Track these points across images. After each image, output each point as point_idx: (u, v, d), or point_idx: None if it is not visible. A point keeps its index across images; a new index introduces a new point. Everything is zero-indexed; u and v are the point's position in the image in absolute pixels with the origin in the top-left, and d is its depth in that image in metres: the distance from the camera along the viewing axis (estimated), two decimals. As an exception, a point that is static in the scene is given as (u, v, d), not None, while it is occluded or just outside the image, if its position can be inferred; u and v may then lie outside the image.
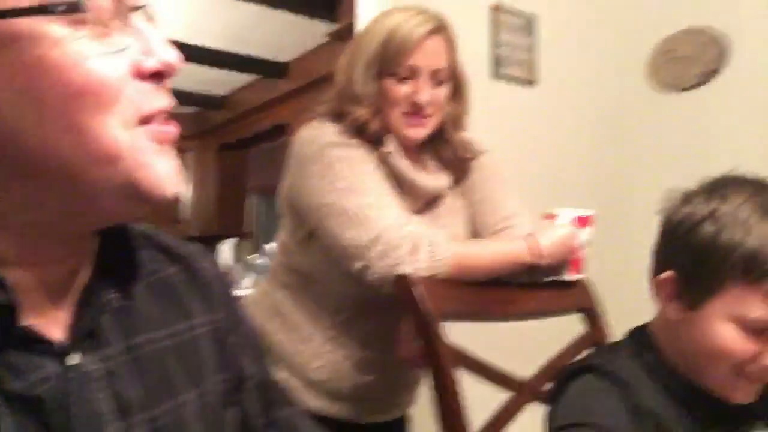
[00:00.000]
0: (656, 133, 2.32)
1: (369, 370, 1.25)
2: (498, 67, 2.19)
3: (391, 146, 1.21)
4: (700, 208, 0.83)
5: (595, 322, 1.31)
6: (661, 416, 0.82)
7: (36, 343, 0.50)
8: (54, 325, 0.53)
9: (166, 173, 0.51)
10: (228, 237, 5.16)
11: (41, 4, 0.45)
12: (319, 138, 1.17)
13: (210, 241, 5.35)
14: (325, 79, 3.92)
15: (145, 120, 0.50)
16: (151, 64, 0.50)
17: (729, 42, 2.16)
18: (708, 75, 2.22)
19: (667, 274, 0.86)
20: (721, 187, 0.84)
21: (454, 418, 1.01)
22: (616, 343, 0.95)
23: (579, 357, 0.99)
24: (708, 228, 0.81)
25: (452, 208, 1.31)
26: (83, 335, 0.53)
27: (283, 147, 5.03)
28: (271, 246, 4.21)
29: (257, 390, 0.72)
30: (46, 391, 0.49)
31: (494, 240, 1.23)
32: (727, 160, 2.09)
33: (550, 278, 1.22)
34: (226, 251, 5.09)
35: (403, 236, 1.08)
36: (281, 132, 4.43)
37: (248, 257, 4.68)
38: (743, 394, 0.83)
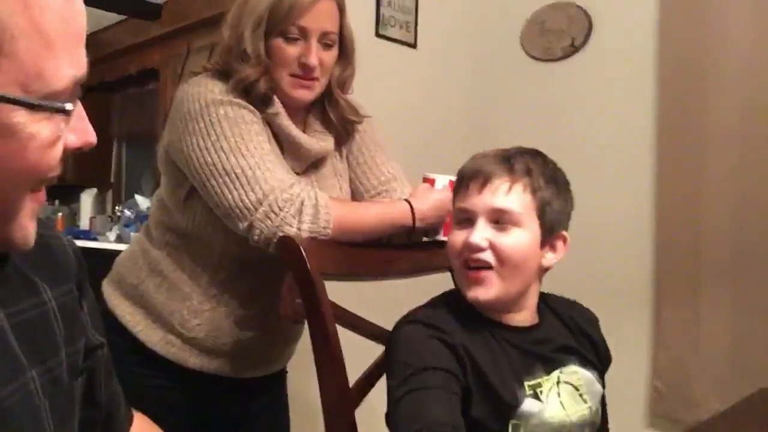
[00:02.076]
0: (526, 98, 2.46)
1: (249, 327, 1.27)
2: (381, 27, 2.22)
3: (277, 107, 1.21)
4: None
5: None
6: (474, 355, 0.97)
7: None
8: None
9: (32, 233, 0.57)
10: (89, 187, 4.87)
11: (29, 101, 0.50)
12: (203, 95, 1.15)
13: (69, 191, 5.04)
14: (201, 25, 3.79)
15: (39, 189, 0.56)
16: (77, 144, 0.56)
17: (593, 18, 2.32)
18: (573, 49, 2.38)
19: None
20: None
21: (334, 371, 1.06)
22: (437, 298, 1.10)
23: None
24: None
25: (335, 170, 1.33)
26: None
27: (152, 93, 4.78)
28: (140, 198, 4.05)
29: (105, 360, 0.75)
30: None
31: (375, 203, 1.28)
32: (588, 127, 2.28)
33: (426, 239, 1.29)
34: (87, 202, 4.81)
35: (288, 198, 1.10)
36: (150, 77, 4.21)
37: (116, 208, 4.46)
38: (475, 291, 1.01)
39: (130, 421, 0.83)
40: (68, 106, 0.53)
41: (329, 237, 1.12)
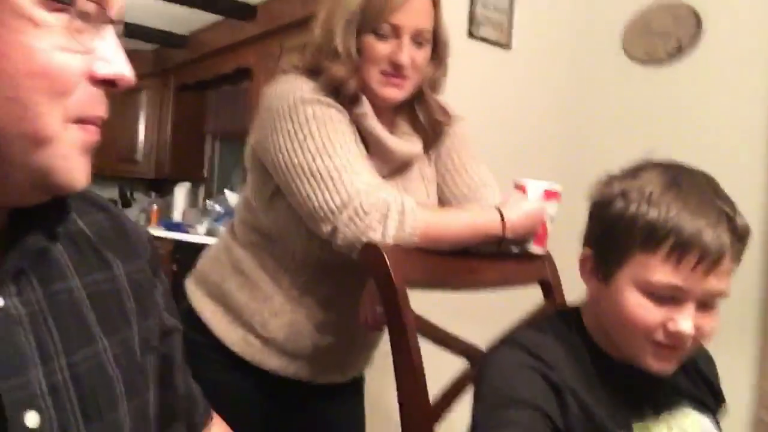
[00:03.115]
0: (627, 104, 2.33)
1: (328, 331, 1.24)
2: (474, 27, 2.15)
3: (365, 107, 1.17)
4: (615, 187, 0.88)
5: (553, 294, 1.32)
6: (581, 394, 0.85)
7: None
8: None
9: (80, 172, 0.54)
10: (183, 181, 5.05)
11: None
12: (292, 93, 1.13)
13: (164, 185, 5.24)
14: (294, 26, 3.84)
15: (81, 121, 0.54)
16: (106, 71, 0.54)
17: (702, 18, 2.17)
18: (680, 51, 2.23)
19: (585, 252, 0.91)
20: (636, 168, 0.89)
21: (414, 384, 1.02)
22: (544, 323, 0.97)
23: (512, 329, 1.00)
24: (618, 204, 0.86)
25: (423, 174, 1.29)
26: (6, 281, 0.54)
27: (245, 92, 4.91)
28: (230, 193, 4.15)
29: (179, 346, 0.75)
30: None
31: (464, 210, 1.22)
32: (694, 136, 2.13)
33: (516, 250, 1.22)
34: (180, 196, 4.98)
35: (373, 203, 1.06)
36: (244, 76, 4.30)
37: (207, 202, 4.60)
38: (661, 363, 0.86)
39: (207, 421, 0.82)
40: (79, 3, 0.51)
41: (415, 245, 1.08)
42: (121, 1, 0.56)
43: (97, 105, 0.54)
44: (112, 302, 0.64)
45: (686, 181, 0.84)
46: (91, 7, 0.52)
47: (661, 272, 0.81)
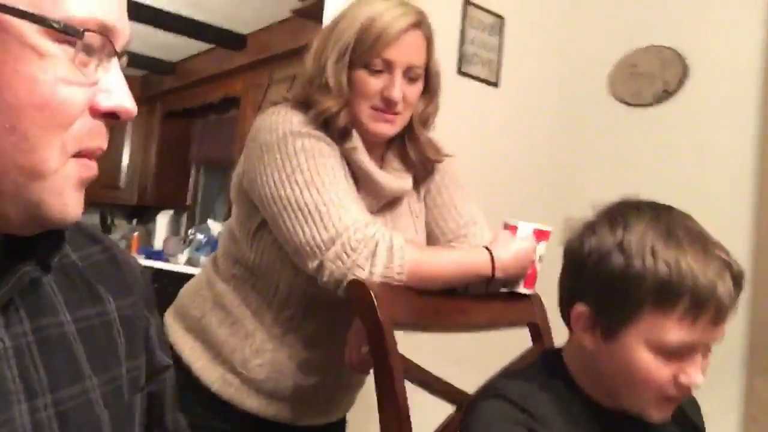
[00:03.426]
0: (614, 144, 2.34)
1: (311, 371, 1.20)
2: (464, 65, 2.16)
3: (356, 141, 1.15)
4: (607, 239, 0.83)
5: (542, 337, 1.29)
6: None
7: None
8: None
9: (73, 206, 0.53)
10: (166, 209, 4.99)
11: (41, 15, 0.48)
12: (281, 125, 1.11)
13: (146, 212, 5.18)
14: (283, 56, 3.85)
15: (80, 154, 0.52)
16: (108, 104, 0.53)
17: (688, 62, 2.19)
18: (666, 94, 2.25)
19: (580, 308, 0.86)
20: (621, 215, 0.85)
21: (399, 428, 0.98)
22: (527, 370, 0.95)
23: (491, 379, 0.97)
24: (617, 259, 0.82)
25: (412, 210, 1.27)
26: None
27: (232, 120, 4.91)
28: (212, 222, 4.10)
29: (171, 384, 0.74)
30: None
31: (453, 249, 1.20)
32: (681, 176, 2.13)
33: (505, 290, 1.20)
34: (162, 223, 4.92)
35: (361, 239, 1.03)
36: (231, 105, 4.30)
37: (189, 231, 4.54)
38: (663, 413, 0.85)
39: None
40: (86, 36, 0.50)
41: (402, 283, 1.05)
42: (127, 33, 0.55)
43: (97, 137, 0.53)
44: (103, 338, 0.62)
45: (680, 230, 0.82)
46: (97, 40, 0.51)
47: (677, 331, 0.79)
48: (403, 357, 1.02)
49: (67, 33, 0.49)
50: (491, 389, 0.90)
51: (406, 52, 1.12)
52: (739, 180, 2.05)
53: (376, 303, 0.98)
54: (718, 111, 2.12)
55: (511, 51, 2.28)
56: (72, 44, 0.50)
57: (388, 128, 1.16)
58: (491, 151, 2.18)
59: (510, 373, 0.95)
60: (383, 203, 1.22)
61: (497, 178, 2.15)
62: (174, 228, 5.04)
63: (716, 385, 1.94)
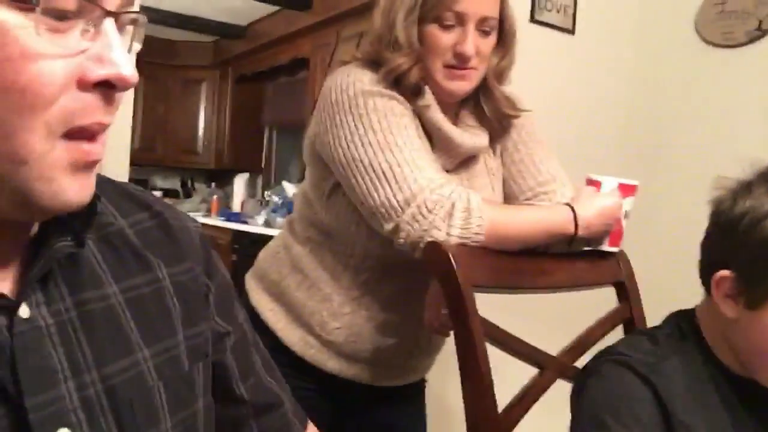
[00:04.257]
0: (702, 90, 2.19)
1: (389, 333, 1.20)
2: (537, 12, 2.06)
3: (429, 99, 1.11)
4: (764, 202, 0.77)
5: (629, 296, 1.24)
6: (698, 422, 0.77)
7: None
8: (2, 277, 0.50)
9: (69, 192, 0.47)
10: (242, 172, 5.10)
11: None
12: (352, 85, 1.08)
13: (224, 175, 5.31)
14: (350, 15, 3.82)
15: (73, 133, 0.46)
16: (99, 73, 0.46)
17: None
18: (762, 32, 2.08)
19: (725, 273, 0.81)
20: None
21: (482, 393, 0.96)
22: (657, 331, 0.89)
23: (614, 339, 0.92)
24: None
25: (488, 168, 1.22)
26: (33, 289, 0.50)
27: (303, 82, 4.94)
28: (287, 185, 4.16)
29: (237, 349, 0.69)
30: None
31: (534, 208, 1.15)
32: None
33: (589, 249, 1.15)
34: (240, 186, 5.03)
35: (438, 200, 1.00)
36: (300, 66, 4.30)
37: (265, 193, 4.63)
38: None
39: (300, 425, 0.76)
40: (64, 3, 0.43)
41: (481, 243, 1.02)
42: None
43: (91, 112, 0.47)
44: (154, 308, 0.59)
45: None
46: (70, 3, 0.44)
47: None
48: (483, 319, 1.00)
49: (40, 8, 0.42)
50: (615, 352, 0.86)
51: (477, 3, 1.06)
52: None
53: (454, 265, 0.95)
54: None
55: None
56: (33, 11, 0.42)
57: (462, 85, 1.11)
58: (568, 103, 2.09)
59: (636, 338, 0.89)
60: (459, 162, 1.19)
61: (575, 132, 2.06)
62: (251, 190, 5.16)
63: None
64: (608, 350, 0.88)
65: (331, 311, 1.18)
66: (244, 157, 5.15)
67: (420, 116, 1.12)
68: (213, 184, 5.44)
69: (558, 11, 2.12)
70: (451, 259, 0.96)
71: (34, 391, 0.47)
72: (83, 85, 0.46)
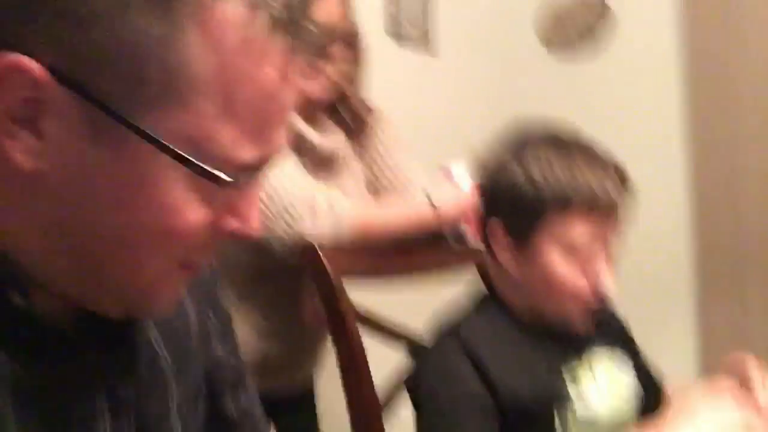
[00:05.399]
0: (552, 100, 2.35)
1: (272, 338, 1.22)
2: (393, 26, 2.12)
3: None
4: (506, 157, 0.92)
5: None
6: (504, 380, 0.87)
7: None
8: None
9: (167, 303, 0.49)
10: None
11: (187, 157, 0.40)
12: None
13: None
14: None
15: (187, 265, 0.47)
16: (233, 227, 0.45)
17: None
18: (591, 32, 2.25)
19: (492, 222, 0.93)
20: (519, 137, 0.94)
21: (358, 375, 1.00)
22: (466, 301, 0.99)
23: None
24: (517, 171, 0.89)
25: (351, 170, 1.29)
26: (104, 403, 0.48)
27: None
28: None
29: (230, 372, 0.67)
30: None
31: (396, 204, 1.22)
32: (614, 129, 2.16)
33: (456, 243, 1.22)
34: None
35: (305, 204, 1.06)
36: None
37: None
38: (585, 322, 0.92)
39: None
40: (240, 179, 0.43)
41: (350, 242, 1.07)
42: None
43: (209, 253, 0.48)
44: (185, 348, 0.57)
45: (570, 142, 0.92)
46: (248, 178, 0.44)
47: (579, 227, 0.87)
48: (353, 303, 1.03)
49: (213, 179, 0.41)
50: (433, 332, 0.95)
51: (323, 14, 1.13)
52: (670, 118, 2.10)
53: (323, 260, 0.99)
54: (645, 60, 2.16)
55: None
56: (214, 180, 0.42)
57: (313, 87, 1.17)
58: (430, 110, 2.15)
59: (455, 311, 0.98)
60: (322, 165, 1.24)
61: (437, 136, 2.12)
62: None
63: (670, 315, 2.02)
64: (430, 333, 0.97)
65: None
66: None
67: None
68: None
69: (413, 26, 2.17)
70: (321, 255, 1.00)
71: None
72: (216, 231, 0.45)
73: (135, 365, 0.50)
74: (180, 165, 0.41)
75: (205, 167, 0.41)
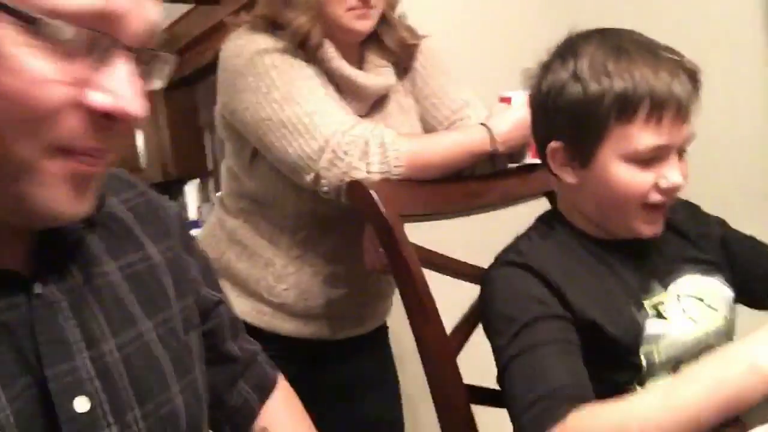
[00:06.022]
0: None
1: (338, 284, 1.21)
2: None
3: (328, 51, 1.11)
4: (561, 73, 0.85)
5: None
6: (580, 303, 0.83)
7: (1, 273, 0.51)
8: (14, 256, 0.53)
9: (66, 203, 0.49)
10: (191, 178, 5.03)
11: (20, 10, 0.43)
12: (247, 47, 1.08)
13: (173, 186, 5.23)
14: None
15: (67, 151, 0.48)
16: (102, 103, 0.47)
17: None
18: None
19: (553, 144, 0.88)
20: (570, 47, 0.87)
21: (427, 318, 0.98)
22: (529, 231, 0.96)
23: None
24: (574, 88, 0.83)
25: (401, 106, 1.23)
26: (45, 268, 0.54)
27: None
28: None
29: (229, 315, 0.76)
30: (14, 317, 0.50)
31: (448, 132, 1.17)
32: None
33: (513, 165, 1.17)
34: (192, 193, 4.97)
35: (351, 141, 1.01)
36: (226, 61, 4.23)
37: (217, 195, 4.58)
38: (652, 227, 0.86)
39: (273, 383, 0.81)
40: (65, 31, 0.45)
41: (403, 176, 1.03)
42: (140, 26, 0.49)
43: (89, 136, 0.48)
44: (150, 283, 0.63)
45: (628, 43, 0.83)
46: (82, 35, 0.46)
47: (645, 136, 0.81)
48: (417, 246, 1.01)
49: (28, 22, 0.44)
50: (498, 259, 0.92)
51: None
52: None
53: (375, 197, 0.96)
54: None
55: None
56: (42, 38, 0.44)
57: (367, 24, 1.12)
58: (477, 26, 2.07)
59: (516, 239, 0.95)
60: (370, 105, 1.20)
61: (483, 50, 2.04)
62: (204, 195, 5.09)
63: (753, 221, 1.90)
64: (496, 259, 0.93)
65: (276, 274, 1.19)
66: (190, 164, 5.07)
67: (324, 69, 1.12)
68: (166, 198, 5.37)
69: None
70: (372, 193, 0.97)
71: (53, 362, 0.51)
72: (83, 110, 0.47)
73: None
74: (11, 18, 0.43)
75: (19, 9, 0.43)
